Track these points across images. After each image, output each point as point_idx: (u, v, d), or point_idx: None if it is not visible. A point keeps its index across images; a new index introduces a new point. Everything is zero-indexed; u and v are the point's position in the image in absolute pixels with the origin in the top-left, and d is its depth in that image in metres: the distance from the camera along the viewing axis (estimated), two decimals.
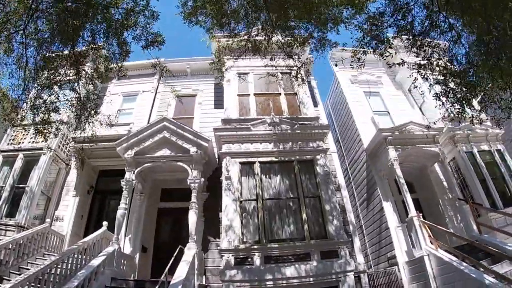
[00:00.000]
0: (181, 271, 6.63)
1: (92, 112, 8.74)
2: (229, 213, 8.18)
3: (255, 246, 7.86)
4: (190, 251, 7.54)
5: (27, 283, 5.89)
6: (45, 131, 7.65)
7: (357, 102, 12.76)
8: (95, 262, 7.12)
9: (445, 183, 10.98)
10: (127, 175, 8.85)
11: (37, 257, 8.30)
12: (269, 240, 8.05)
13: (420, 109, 13.54)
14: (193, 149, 8.78)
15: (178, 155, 8.93)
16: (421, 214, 9.15)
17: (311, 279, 7.70)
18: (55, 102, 7.83)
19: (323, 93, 21.52)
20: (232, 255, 7.70)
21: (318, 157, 9.30)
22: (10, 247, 7.65)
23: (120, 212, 8.41)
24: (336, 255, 8.09)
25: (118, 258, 7.98)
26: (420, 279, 8.33)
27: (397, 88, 14.11)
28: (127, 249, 8.89)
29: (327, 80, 14.37)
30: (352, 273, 7.99)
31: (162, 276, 5.99)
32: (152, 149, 9.12)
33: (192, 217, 8.02)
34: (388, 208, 10.28)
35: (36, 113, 7.44)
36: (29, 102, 7.47)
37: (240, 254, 7.74)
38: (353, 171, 12.60)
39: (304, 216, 8.37)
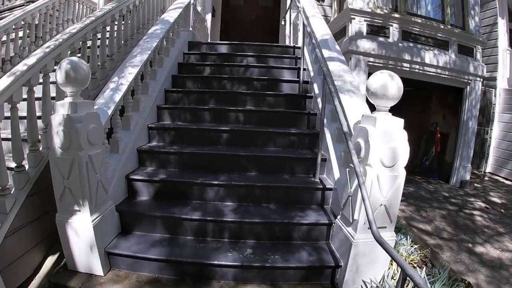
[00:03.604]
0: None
1: None
2: None
3: (394, 15, 5.26)
4: None
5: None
6: None
7: None
8: (170, 15, 4.10)
9: None
10: None
11: None
12: (407, 12, 5.49)
13: None
14: None
15: None
16: None
17: (445, 72, 5.72)
18: None
19: None
20: (365, 20, 5.07)
21: None
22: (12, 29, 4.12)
23: None
24: (471, 54, 6.12)
25: (194, 16, 5.02)
26: None
27: None
28: None
29: None
30: (481, 80, 6.22)
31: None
32: None
33: None
34: (501, 25, 7.94)
35: None
36: None
37: (375, 20, 5.13)
38: None
39: None
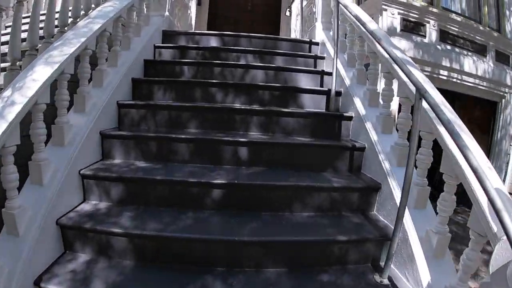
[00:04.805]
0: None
1: None
2: None
3: (431, 9, 4.10)
4: None
5: None
6: None
7: None
8: None
9: None
10: None
11: None
12: (443, 7, 4.35)
13: None
14: None
15: None
16: None
17: (483, 83, 4.67)
18: None
19: None
20: (399, 14, 3.87)
21: None
22: None
23: None
24: (508, 62, 5.11)
25: None
26: None
27: None
28: None
29: None
30: None
31: None
32: None
33: None
34: None
35: None
36: None
37: (411, 14, 3.94)
38: None
39: None
